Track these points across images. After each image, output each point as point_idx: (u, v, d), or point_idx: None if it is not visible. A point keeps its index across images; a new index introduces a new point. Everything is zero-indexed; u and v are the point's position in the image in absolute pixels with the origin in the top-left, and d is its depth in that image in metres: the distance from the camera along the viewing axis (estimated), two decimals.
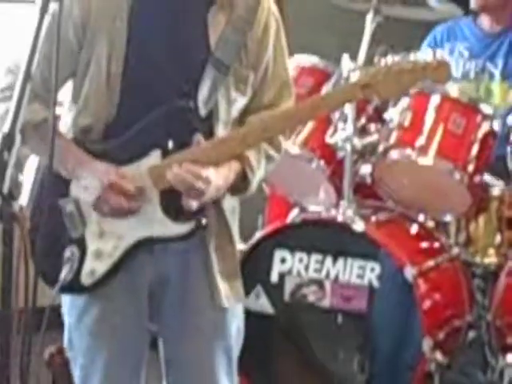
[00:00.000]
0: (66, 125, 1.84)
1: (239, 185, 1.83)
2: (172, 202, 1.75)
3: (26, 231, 1.49)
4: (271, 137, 1.86)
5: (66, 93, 1.87)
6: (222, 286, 1.85)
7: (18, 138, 1.41)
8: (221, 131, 1.79)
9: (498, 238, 3.20)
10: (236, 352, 1.95)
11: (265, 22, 1.85)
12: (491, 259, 3.19)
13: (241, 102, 1.84)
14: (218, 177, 1.74)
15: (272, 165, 1.92)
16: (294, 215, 3.19)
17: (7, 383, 1.49)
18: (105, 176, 1.70)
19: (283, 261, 2.99)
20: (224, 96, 1.80)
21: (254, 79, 1.84)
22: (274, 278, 3.01)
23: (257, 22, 1.83)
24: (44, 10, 1.43)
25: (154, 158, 1.74)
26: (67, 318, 1.87)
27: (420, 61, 1.83)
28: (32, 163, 1.91)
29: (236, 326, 1.92)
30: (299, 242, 3.01)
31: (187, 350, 1.89)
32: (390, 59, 2.81)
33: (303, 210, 3.26)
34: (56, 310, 1.79)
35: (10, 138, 1.39)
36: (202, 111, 1.77)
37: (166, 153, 1.73)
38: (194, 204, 1.73)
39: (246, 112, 1.88)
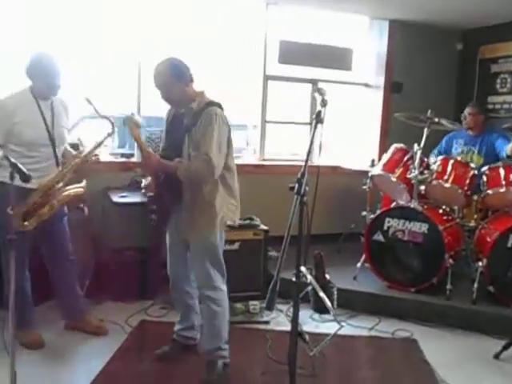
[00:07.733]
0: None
1: None
2: None
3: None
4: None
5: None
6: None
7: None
8: None
9: (475, 216, 4.92)
10: None
11: None
12: (472, 224, 4.92)
13: None
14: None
15: None
16: (393, 204, 4.84)
17: None
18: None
19: (389, 222, 4.69)
20: None
21: None
22: (385, 228, 4.68)
23: None
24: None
25: None
26: None
27: None
28: None
29: None
30: (395, 214, 4.67)
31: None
32: None
33: (397, 202, 4.84)
34: None
35: None
36: None
37: None
38: None
39: None
